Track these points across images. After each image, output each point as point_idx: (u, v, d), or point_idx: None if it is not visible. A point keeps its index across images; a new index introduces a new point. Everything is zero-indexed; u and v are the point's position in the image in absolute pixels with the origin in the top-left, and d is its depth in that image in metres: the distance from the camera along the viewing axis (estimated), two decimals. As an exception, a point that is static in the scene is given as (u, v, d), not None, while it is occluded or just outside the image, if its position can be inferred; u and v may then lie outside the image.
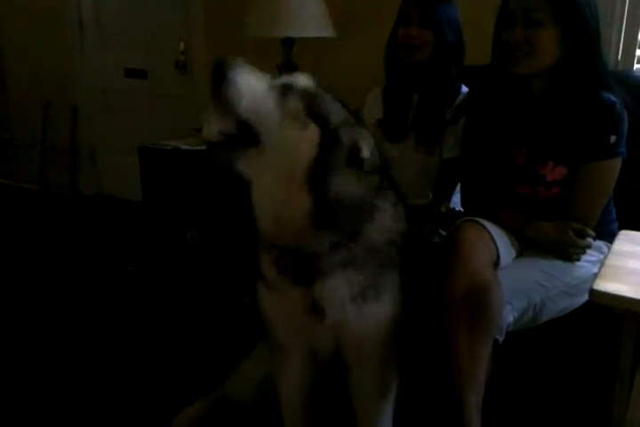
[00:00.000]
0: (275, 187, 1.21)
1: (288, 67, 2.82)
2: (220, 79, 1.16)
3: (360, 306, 1.33)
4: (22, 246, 3.35)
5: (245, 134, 1.19)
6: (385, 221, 1.34)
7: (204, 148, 2.67)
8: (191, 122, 3.02)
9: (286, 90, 1.22)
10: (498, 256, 1.58)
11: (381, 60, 2.12)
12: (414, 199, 1.92)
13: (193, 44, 3.55)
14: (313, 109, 1.22)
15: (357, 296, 1.32)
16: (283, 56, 2.84)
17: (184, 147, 2.71)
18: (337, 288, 1.30)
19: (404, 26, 2.01)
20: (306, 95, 1.23)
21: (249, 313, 1.55)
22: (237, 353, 1.82)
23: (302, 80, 1.26)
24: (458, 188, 2.09)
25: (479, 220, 1.61)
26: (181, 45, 3.58)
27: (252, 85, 1.18)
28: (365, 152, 1.24)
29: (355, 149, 1.24)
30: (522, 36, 1.62)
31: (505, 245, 1.63)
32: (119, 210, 3.82)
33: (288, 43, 2.81)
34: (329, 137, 1.22)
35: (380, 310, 1.36)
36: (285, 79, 1.25)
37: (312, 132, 1.21)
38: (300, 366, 1.48)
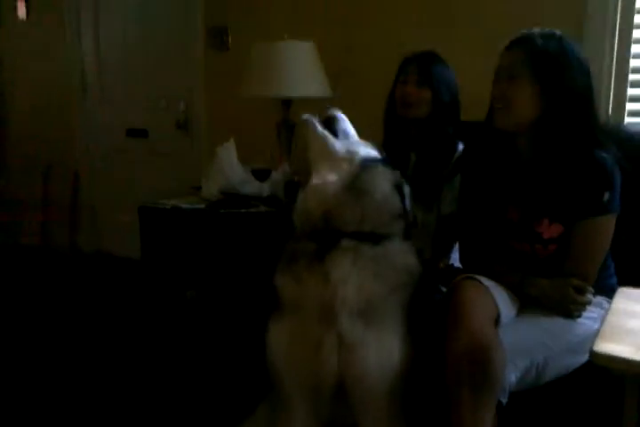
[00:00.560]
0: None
1: (286, 125, 2.88)
2: None
3: (366, 326, 1.41)
4: (22, 303, 3.33)
5: None
6: (405, 250, 1.52)
7: (203, 206, 2.70)
8: (191, 180, 3.06)
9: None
10: (498, 314, 1.57)
11: (378, 119, 2.17)
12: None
13: (193, 104, 3.63)
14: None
15: (364, 311, 1.41)
16: (281, 115, 2.91)
17: (184, 205, 2.73)
18: (345, 265, 1.43)
19: (402, 83, 2.08)
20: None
21: (249, 373, 1.54)
22: (241, 413, 1.79)
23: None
24: (456, 245, 2.09)
25: (478, 277, 1.61)
26: (182, 105, 3.66)
27: None
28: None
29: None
30: (502, 89, 1.66)
31: (505, 303, 1.62)
32: (118, 268, 3.82)
33: (286, 102, 2.88)
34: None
35: (391, 347, 1.42)
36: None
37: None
38: (306, 419, 1.48)
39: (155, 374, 2.47)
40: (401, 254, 1.50)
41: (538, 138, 1.69)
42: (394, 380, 1.41)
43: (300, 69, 2.74)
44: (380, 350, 1.39)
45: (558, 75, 1.62)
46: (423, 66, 2.06)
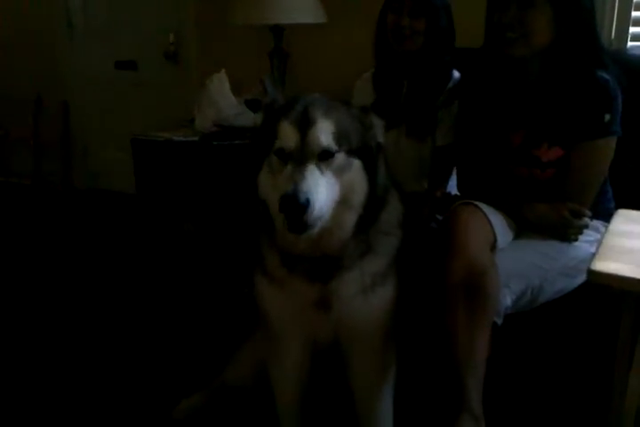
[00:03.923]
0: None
1: (279, 55, 2.80)
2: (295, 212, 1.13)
3: (367, 296, 1.34)
4: (16, 241, 3.33)
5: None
6: (394, 203, 1.38)
7: (196, 138, 2.66)
8: (183, 112, 3.00)
9: (326, 156, 1.20)
10: (495, 238, 1.58)
11: (372, 45, 2.09)
12: (406, 185, 1.90)
13: (183, 35, 3.51)
14: (348, 146, 1.23)
15: (367, 287, 1.34)
16: (273, 44, 2.81)
17: (177, 138, 2.69)
18: (352, 282, 1.32)
19: (394, 13, 1.95)
20: (339, 137, 1.22)
21: (247, 303, 1.54)
22: (235, 343, 1.82)
23: (325, 131, 1.20)
24: (453, 171, 2.07)
25: (475, 202, 1.61)
26: (171, 36, 3.54)
27: (324, 202, 1.17)
28: (380, 138, 1.33)
29: (379, 145, 1.32)
30: (516, 18, 1.60)
31: (502, 227, 1.63)
32: (113, 203, 3.80)
33: (278, 30, 2.78)
34: (370, 157, 1.27)
35: (383, 297, 1.37)
36: (311, 144, 1.19)
37: (357, 167, 1.24)
38: (296, 356, 1.48)
39: (153, 307, 2.50)
40: (393, 215, 1.38)
41: (549, 61, 1.66)
42: (387, 323, 1.41)
43: (291, -6, 2.63)
44: (374, 301, 1.36)
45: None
46: None
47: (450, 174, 2.07)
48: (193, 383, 1.87)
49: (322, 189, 1.16)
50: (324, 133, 1.19)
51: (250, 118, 2.65)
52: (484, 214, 1.58)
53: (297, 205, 1.11)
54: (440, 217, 1.90)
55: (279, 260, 1.33)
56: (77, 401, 1.90)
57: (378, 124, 1.34)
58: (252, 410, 1.72)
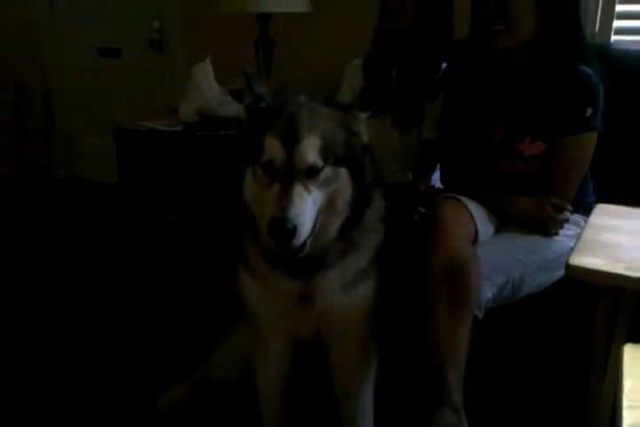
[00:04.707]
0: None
1: (265, 43, 2.77)
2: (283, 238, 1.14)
3: (349, 292, 1.34)
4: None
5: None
6: (378, 199, 1.37)
7: (180, 128, 2.64)
8: (167, 100, 2.98)
9: (313, 173, 1.18)
10: (476, 232, 1.58)
11: (359, 34, 2.09)
12: (391, 177, 1.91)
13: (168, 22, 3.48)
14: (335, 155, 1.22)
15: (349, 283, 1.34)
16: (259, 32, 2.79)
17: (160, 127, 2.66)
18: (333, 278, 1.32)
19: None
20: (325, 148, 1.20)
21: (231, 296, 1.53)
22: (219, 335, 1.82)
23: (310, 146, 1.19)
24: (437, 165, 2.08)
25: (457, 196, 1.61)
26: (156, 23, 3.50)
27: (309, 225, 1.17)
28: (365, 139, 1.32)
29: (365, 146, 1.31)
30: (500, 10, 1.60)
31: (483, 221, 1.63)
32: (96, 193, 3.77)
33: (264, 19, 2.76)
34: (356, 163, 1.26)
35: (365, 292, 1.37)
36: (298, 162, 1.18)
37: (344, 176, 1.23)
38: (279, 350, 1.47)
39: (136, 299, 2.49)
40: (376, 211, 1.37)
41: (533, 54, 1.66)
42: (368, 317, 1.41)
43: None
44: (356, 297, 1.36)
45: None
46: None
47: (435, 168, 2.07)
48: (177, 375, 1.86)
49: (309, 210, 1.17)
50: (311, 150, 1.18)
51: (234, 108, 2.63)
52: (467, 208, 1.59)
53: (285, 231, 1.12)
54: (423, 210, 1.91)
55: (262, 255, 1.33)
56: (60, 392, 1.89)
57: (362, 117, 1.32)
58: (236, 402, 1.72)
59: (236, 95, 2.67)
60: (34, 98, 4.10)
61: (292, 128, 1.19)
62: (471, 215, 1.58)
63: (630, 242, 1.28)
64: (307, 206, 1.16)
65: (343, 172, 1.23)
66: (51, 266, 2.85)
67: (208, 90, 2.66)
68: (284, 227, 1.12)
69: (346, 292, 1.34)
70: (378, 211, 1.38)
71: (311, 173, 1.18)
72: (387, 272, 1.43)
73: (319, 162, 1.19)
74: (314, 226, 1.20)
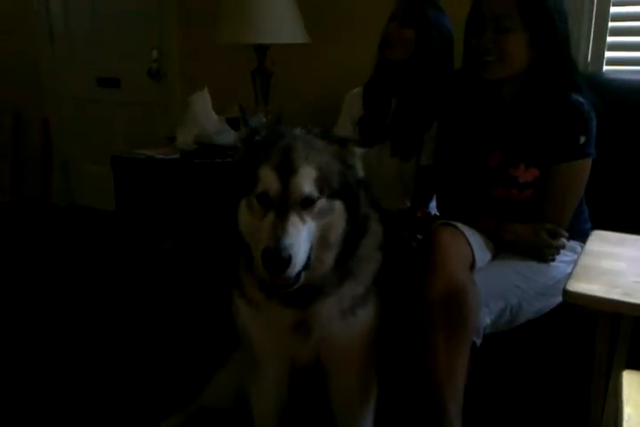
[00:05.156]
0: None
1: (262, 74, 2.81)
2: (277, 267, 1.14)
3: (347, 319, 1.34)
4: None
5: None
6: (374, 227, 1.38)
7: (177, 156, 2.65)
8: (165, 130, 3.00)
9: (308, 204, 1.20)
10: (473, 258, 1.59)
11: (355, 65, 2.13)
12: (388, 203, 1.91)
13: (166, 52, 3.52)
14: (330, 188, 1.23)
15: (347, 310, 1.34)
16: (256, 63, 2.83)
17: (158, 156, 2.68)
18: (330, 306, 1.32)
19: (388, 22, 2.02)
20: (320, 179, 1.21)
21: (226, 324, 1.52)
22: (214, 364, 1.80)
23: (307, 177, 1.20)
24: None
25: (454, 223, 1.62)
26: (154, 53, 3.55)
27: (304, 256, 1.18)
28: (360, 173, 1.32)
29: (360, 180, 1.31)
30: (492, 42, 1.63)
31: (480, 248, 1.64)
32: (93, 221, 3.77)
33: (261, 49, 2.80)
34: (351, 198, 1.26)
35: (364, 318, 1.37)
36: (294, 194, 1.19)
37: (339, 209, 1.24)
38: (275, 378, 1.46)
39: (132, 326, 2.47)
40: (372, 240, 1.38)
41: (525, 84, 1.69)
42: (367, 344, 1.41)
43: (276, 14, 2.64)
44: (355, 323, 1.36)
45: (548, 23, 1.62)
46: (411, 7, 1.97)
47: (432, 194, 2.08)
48: (171, 406, 1.84)
49: (303, 240, 1.17)
50: (306, 181, 1.19)
51: (231, 137, 2.65)
52: (463, 234, 1.59)
53: (279, 260, 1.12)
54: (420, 237, 1.92)
55: (257, 285, 1.32)
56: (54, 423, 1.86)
57: (358, 152, 1.32)
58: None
59: (234, 124, 2.70)
60: (31, 126, 4.12)
61: (287, 159, 1.20)
62: (468, 241, 1.59)
63: (627, 268, 1.28)
64: (301, 236, 1.16)
65: (338, 204, 1.24)
66: (48, 293, 2.83)
67: (205, 119, 2.68)
68: (278, 256, 1.12)
69: (344, 319, 1.34)
70: (374, 239, 1.38)
71: (306, 204, 1.19)
72: (385, 299, 1.42)
73: (315, 193, 1.19)
74: (308, 258, 1.19)
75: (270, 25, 2.66)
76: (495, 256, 1.70)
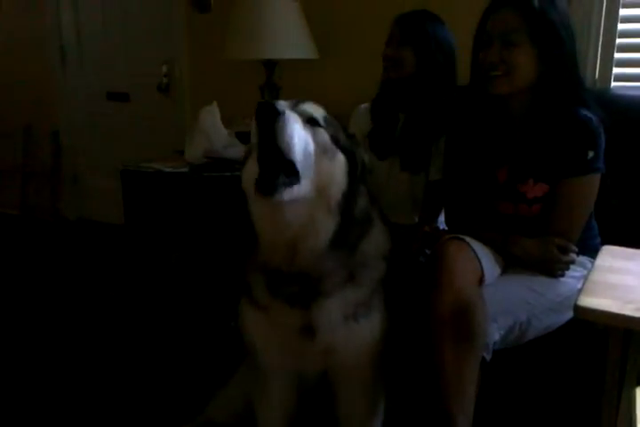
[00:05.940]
0: (306, 214, 1.23)
1: (270, 88, 2.84)
2: (269, 127, 1.12)
3: (351, 326, 1.34)
4: (4, 273, 3.29)
5: (285, 170, 1.17)
6: (377, 235, 1.38)
7: (186, 170, 2.67)
8: (174, 144, 3.02)
9: (313, 123, 1.23)
10: (482, 273, 1.58)
11: (363, 80, 2.14)
12: (398, 217, 1.92)
13: (176, 67, 3.56)
14: (335, 138, 1.27)
15: (350, 316, 1.33)
16: (265, 78, 2.86)
17: (166, 169, 2.69)
18: (333, 309, 1.31)
19: (387, 45, 2.05)
20: (327, 125, 1.27)
21: (234, 337, 1.52)
22: (221, 378, 1.80)
23: (316, 110, 1.28)
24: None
25: (463, 237, 1.61)
26: (164, 68, 3.59)
27: (298, 131, 1.16)
28: (366, 159, 1.37)
29: (363, 166, 1.33)
30: (498, 56, 1.63)
31: (489, 262, 1.63)
32: (102, 234, 3.78)
33: (270, 65, 2.83)
34: (352, 161, 1.29)
35: (369, 329, 1.36)
36: (301, 109, 1.24)
37: (341, 161, 1.27)
38: (282, 390, 1.46)
39: (140, 339, 2.47)
40: (373, 247, 1.37)
41: (532, 99, 1.69)
42: (373, 356, 1.41)
43: (284, 30, 2.68)
44: (359, 333, 1.36)
45: (555, 38, 1.62)
46: (406, 25, 2.00)
47: (441, 209, 2.09)
48: (177, 419, 1.83)
49: (301, 135, 1.16)
50: (315, 109, 1.26)
51: (240, 150, 2.66)
52: (472, 249, 1.58)
53: (272, 110, 1.11)
54: (429, 251, 1.92)
55: (264, 283, 1.33)
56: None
57: (365, 157, 1.38)
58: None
59: (243, 138, 2.71)
60: (41, 140, 4.15)
61: (297, 103, 1.27)
62: (476, 256, 1.58)
63: (638, 283, 1.27)
64: (298, 124, 1.16)
65: (340, 158, 1.26)
66: (57, 307, 2.84)
67: (214, 133, 2.70)
68: (271, 106, 1.11)
69: (347, 325, 1.34)
70: (375, 247, 1.38)
71: (311, 121, 1.23)
72: (393, 312, 1.42)
73: (321, 120, 1.25)
74: (302, 168, 1.17)
75: (279, 40, 2.69)
76: (504, 271, 1.69)
